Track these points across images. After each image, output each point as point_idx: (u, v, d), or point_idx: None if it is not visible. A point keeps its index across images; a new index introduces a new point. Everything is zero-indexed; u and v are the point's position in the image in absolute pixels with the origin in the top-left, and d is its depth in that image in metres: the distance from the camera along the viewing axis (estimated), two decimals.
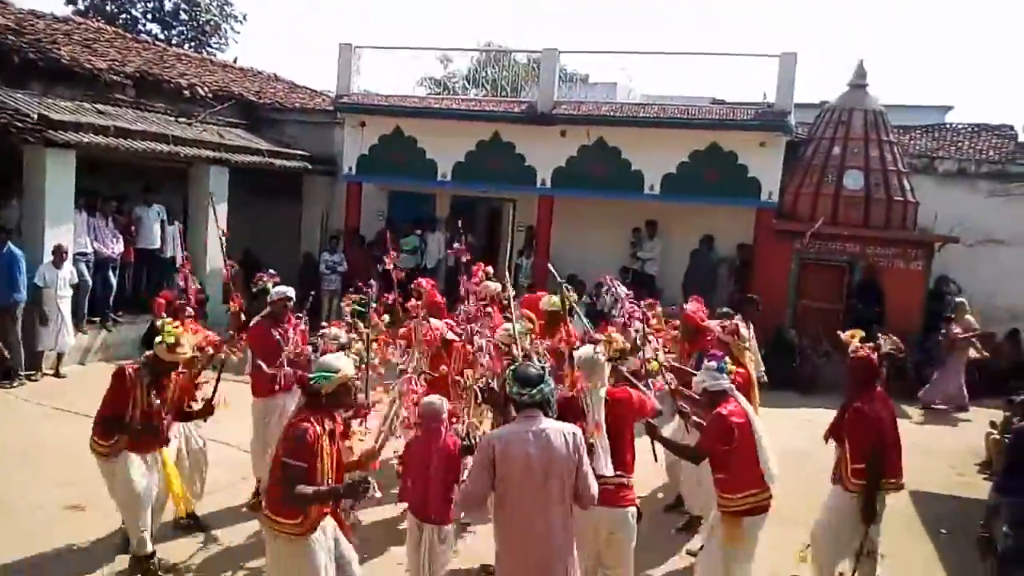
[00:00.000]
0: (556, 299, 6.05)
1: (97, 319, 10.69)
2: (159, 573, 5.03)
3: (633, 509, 4.31)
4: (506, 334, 5.34)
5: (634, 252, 13.66)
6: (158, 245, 11.68)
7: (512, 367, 3.89)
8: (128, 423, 4.83)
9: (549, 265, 6.05)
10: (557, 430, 3.57)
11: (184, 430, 5.57)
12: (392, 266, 6.45)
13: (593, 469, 3.71)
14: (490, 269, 6.59)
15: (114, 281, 10.93)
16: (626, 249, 13.74)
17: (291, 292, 6.26)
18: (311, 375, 3.95)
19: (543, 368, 3.76)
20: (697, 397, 4.86)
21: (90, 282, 10.44)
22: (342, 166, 14.48)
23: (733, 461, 4.49)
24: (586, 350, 4.38)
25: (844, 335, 5.36)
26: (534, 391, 3.59)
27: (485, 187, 14.13)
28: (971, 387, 11.17)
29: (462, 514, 4.80)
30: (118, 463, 4.87)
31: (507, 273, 7.34)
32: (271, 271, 6.57)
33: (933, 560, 6.12)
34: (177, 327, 4.94)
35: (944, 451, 8.93)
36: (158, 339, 4.86)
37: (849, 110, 12.72)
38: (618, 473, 4.19)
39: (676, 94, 15.87)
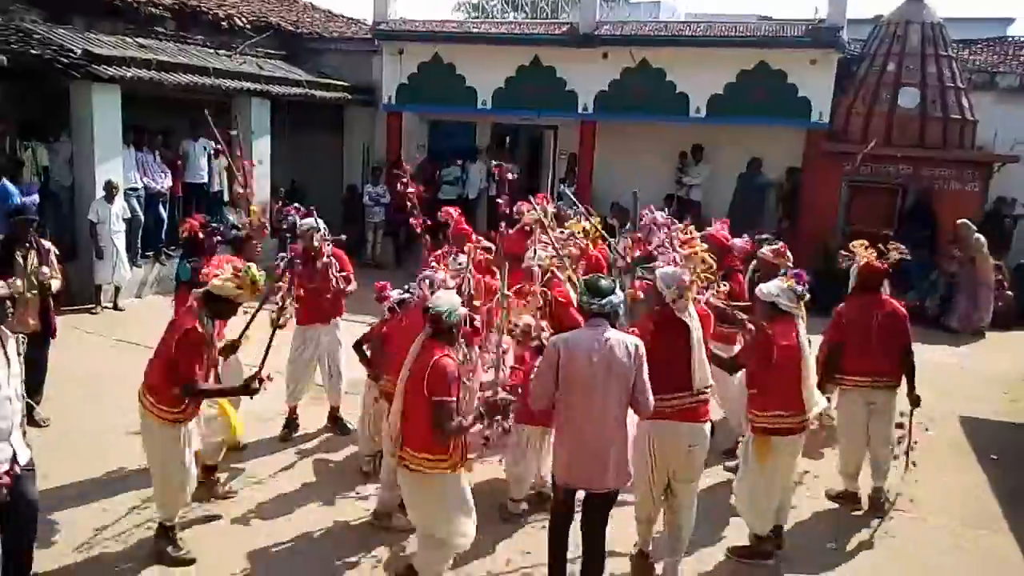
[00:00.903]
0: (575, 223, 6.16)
1: (151, 253, 10.95)
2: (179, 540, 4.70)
3: (709, 423, 4.46)
4: (546, 256, 5.38)
5: (679, 178, 13.42)
6: (205, 179, 11.82)
7: (586, 278, 4.17)
8: (203, 387, 4.42)
9: (567, 191, 6.03)
10: (619, 340, 3.86)
11: None
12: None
13: (697, 377, 4.16)
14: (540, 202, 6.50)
15: (165, 215, 11.14)
16: (671, 175, 13.49)
17: (316, 223, 6.13)
18: (441, 308, 3.88)
19: (614, 281, 4.04)
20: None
21: (142, 217, 10.66)
22: (382, 95, 14.36)
23: (769, 380, 4.60)
24: (674, 270, 4.39)
25: (853, 244, 5.72)
26: (603, 301, 3.88)
27: (526, 114, 13.92)
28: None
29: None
30: (181, 433, 4.47)
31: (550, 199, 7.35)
32: (297, 205, 6.42)
33: (982, 484, 6.10)
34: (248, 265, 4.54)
35: (997, 376, 8.81)
36: (223, 277, 4.41)
37: (905, 24, 12.15)
38: (707, 386, 4.34)
39: (722, 11, 15.33)
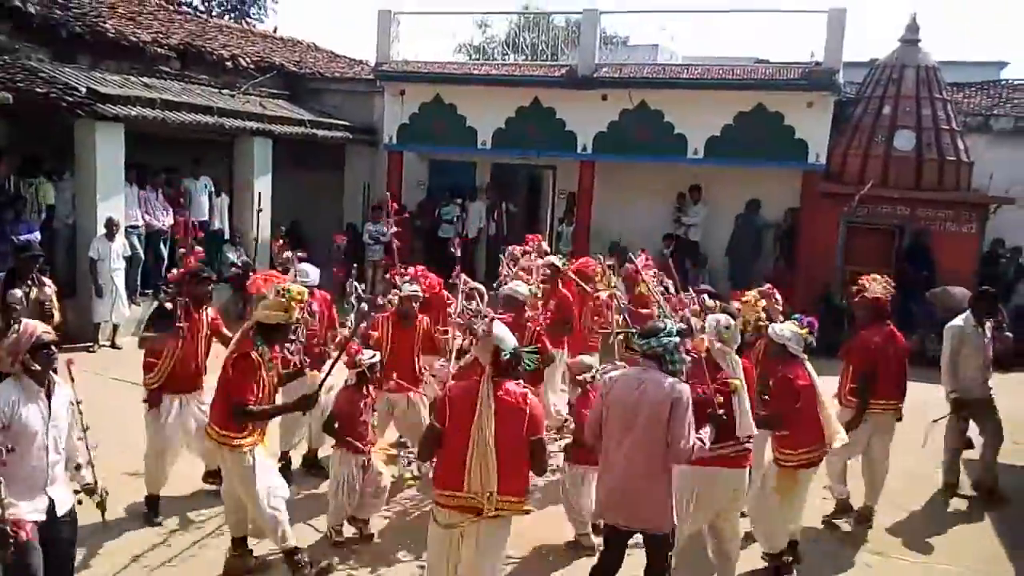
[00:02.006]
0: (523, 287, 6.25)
1: (150, 291, 10.94)
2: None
3: (749, 468, 4.59)
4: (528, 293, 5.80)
5: (678, 218, 13.49)
6: (207, 217, 11.87)
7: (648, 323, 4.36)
8: (255, 409, 4.45)
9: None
10: (658, 382, 3.87)
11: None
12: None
13: (740, 425, 4.22)
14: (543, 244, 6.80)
15: (165, 253, 11.17)
16: (670, 215, 13.57)
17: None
18: (509, 349, 3.80)
19: (670, 325, 4.11)
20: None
21: (142, 254, 10.68)
22: (383, 135, 14.50)
23: (797, 420, 4.75)
24: (725, 318, 4.56)
25: (863, 278, 6.05)
26: (645, 342, 3.97)
27: (525, 154, 14.04)
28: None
29: None
30: (255, 458, 4.51)
31: (548, 240, 7.63)
32: (299, 253, 6.44)
33: (989, 529, 6.03)
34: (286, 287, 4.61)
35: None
36: (266, 305, 4.49)
37: (900, 67, 12.34)
38: (749, 436, 4.39)
39: (719, 55, 15.55)
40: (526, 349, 4.17)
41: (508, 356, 3.78)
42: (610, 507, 4.03)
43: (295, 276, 5.88)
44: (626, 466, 3.89)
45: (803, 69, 12.76)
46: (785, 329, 4.88)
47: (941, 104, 12.17)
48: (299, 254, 6.38)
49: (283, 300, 4.50)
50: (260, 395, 4.47)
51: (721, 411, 4.14)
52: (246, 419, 4.45)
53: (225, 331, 5.58)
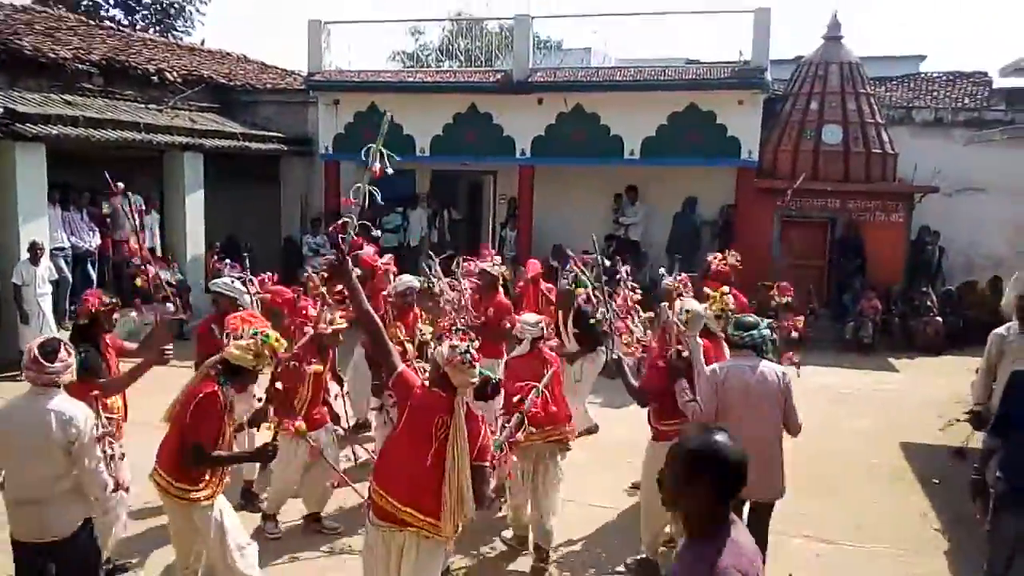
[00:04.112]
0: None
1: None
2: None
3: None
4: None
5: (617, 218, 13.63)
6: None
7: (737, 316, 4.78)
8: (214, 454, 4.10)
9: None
10: (771, 368, 4.48)
11: None
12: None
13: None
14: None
15: (94, 274, 10.80)
16: (609, 216, 13.71)
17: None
18: (483, 370, 3.75)
19: (759, 318, 4.65)
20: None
21: (69, 277, 10.30)
22: (318, 146, 14.30)
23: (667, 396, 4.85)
24: (696, 305, 4.95)
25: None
26: (747, 335, 4.45)
27: (464, 160, 14.01)
28: (953, 335, 11.33)
29: None
30: (214, 509, 4.16)
31: (492, 245, 7.67)
32: (227, 261, 6.30)
33: (927, 511, 6.20)
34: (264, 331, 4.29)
35: (930, 401, 9.04)
36: (238, 345, 4.17)
37: (825, 63, 12.69)
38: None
39: (652, 56, 15.76)
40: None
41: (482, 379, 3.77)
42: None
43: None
44: (756, 442, 4.03)
45: (733, 68, 13.00)
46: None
47: (865, 98, 12.55)
48: (227, 262, 6.20)
49: (256, 346, 4.16)
50: (221, 441, 4.12)
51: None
52: (204, 465, 4.08)
53: (127, 345, 5.28)
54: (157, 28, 25.58)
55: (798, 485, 5.76)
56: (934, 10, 53.22)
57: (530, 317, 5.47)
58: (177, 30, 26.51)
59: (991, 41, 48.39)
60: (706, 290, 5.52)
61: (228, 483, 4.35)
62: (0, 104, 9.33)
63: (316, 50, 14.01)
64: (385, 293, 6.48)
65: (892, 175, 12.51)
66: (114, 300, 5.07)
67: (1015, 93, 13.48)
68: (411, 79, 14.44)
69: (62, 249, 10.21)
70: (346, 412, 6.43)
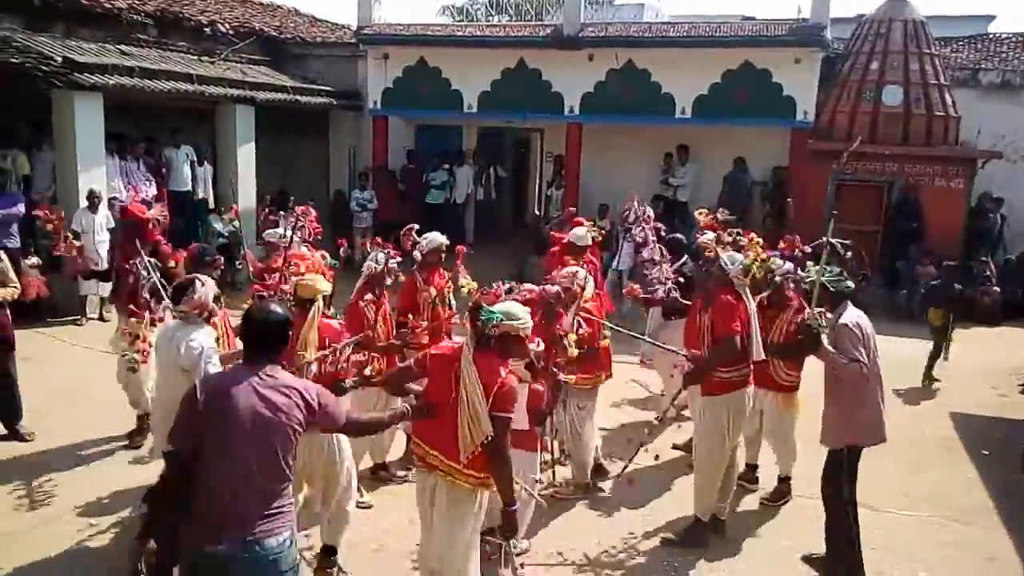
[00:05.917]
0: (583, 231, 6.45)
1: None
2: None
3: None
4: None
5: (665, 179, 13.44)
6: (189, 187, 11.73)
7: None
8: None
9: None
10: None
11: None
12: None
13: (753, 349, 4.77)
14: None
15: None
16: (658, 176, 13.52)
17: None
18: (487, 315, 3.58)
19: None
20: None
21: None
22: (367, 100, 14.32)
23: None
24: (739, 257, 4.91)
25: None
26: (846, 286, 4.59)
27: (512, 117, 13.90)
28: (1012, 306, 11.00)
29: None
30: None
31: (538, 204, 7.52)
32: (282, 213, 6.18)
33: (975, 481, 6.10)
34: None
35: (985, 372, 8.84)
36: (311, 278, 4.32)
37: (888, 21, 12.23)
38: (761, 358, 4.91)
39: (706, 12, 15.37)
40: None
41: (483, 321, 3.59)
42: (870, 433, 4.61)
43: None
44: (880, 392, 4.57)
45: (790, 25, 12.64)
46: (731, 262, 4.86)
47: (929, 59, 12.09)
48: (281, 214, 6.13)
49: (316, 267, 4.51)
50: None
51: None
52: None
53: None
54: None
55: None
56: None
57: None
58: None
59: None
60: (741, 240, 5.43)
61: None
62: (59, 54, 9.48)
63: (366, 4, 13.95)
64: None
65: (955, 139, 12.08)
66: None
67: None
68: (460, 33, 14.32)
69: (119, 198, 10.42)
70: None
